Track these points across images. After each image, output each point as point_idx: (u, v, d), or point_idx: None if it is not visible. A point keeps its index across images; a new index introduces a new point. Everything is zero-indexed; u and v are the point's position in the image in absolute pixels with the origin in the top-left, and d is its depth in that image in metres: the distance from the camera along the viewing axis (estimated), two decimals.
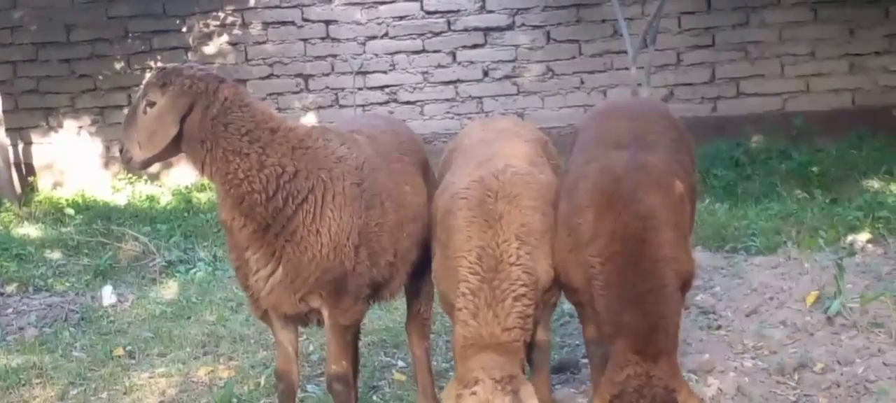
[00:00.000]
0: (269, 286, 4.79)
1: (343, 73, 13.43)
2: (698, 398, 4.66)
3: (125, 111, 13.46)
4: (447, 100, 13.26)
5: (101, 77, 13.63)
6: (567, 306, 6.69)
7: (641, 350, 4.48)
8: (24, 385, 6.57)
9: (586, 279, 4.74)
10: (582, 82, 13.05)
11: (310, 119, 13.44)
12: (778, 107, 12.75)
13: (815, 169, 11.31)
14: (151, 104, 4.64)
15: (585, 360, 6.33)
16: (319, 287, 4.77)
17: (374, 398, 6.09)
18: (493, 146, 5.32)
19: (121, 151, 4.80)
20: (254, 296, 4.88)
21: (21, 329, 7.94)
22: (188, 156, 4.72)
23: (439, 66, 13.28)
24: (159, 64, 13.10)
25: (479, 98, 13.20)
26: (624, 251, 4.59)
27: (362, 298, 4.96)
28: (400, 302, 7.98)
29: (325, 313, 4.86)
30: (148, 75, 4.77)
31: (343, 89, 13.43)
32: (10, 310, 8.44)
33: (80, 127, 13.70)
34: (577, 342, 6.68)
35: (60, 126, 13.68)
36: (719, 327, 6.54)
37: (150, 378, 6.59)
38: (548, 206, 5.00)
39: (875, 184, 10.59)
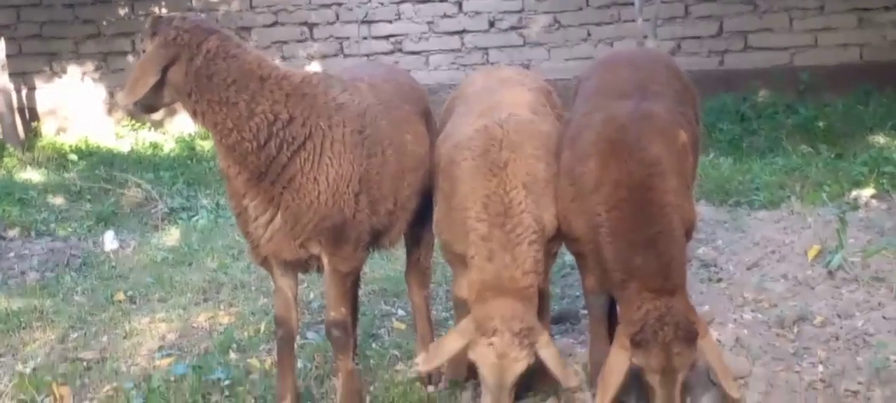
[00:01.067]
0: (268, 233, 4.77)
1: (348, 22, 13.37)
2: (711, 333, 4.68)
3: (129, 58, 13.50)
4: (452, 50, 13.20)
5: (105, 22, 13.59)
6: (568, 258, 6.69)
7: (657, 288, 4.49)
8: (24, 328, 6.59)
9: (590, 228, 4.72)
10: (588, 34, 12.97)
11: (314, 68, 13.40)
12: (785, 61, 12.66)
13: (820, 124, 11.26)
14: (144, 51, 4.66)
15: (585, 311, 6.33)
16: (319, 234, 4.75)
17: (374, 345, 6.09)
18: (497, 95, 5.27)
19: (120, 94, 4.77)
20: (254, 243, 4.87)
21: (23, 273, 7.97)
22: (181, 105, 4.71)
23: (445, 15, 13.20)
24: (163, 11, 13.04)
25: (485, 49, 13.13)
26: (630, 198, 4.58)
27: (362, 246, 4.94)
28: (400, 252, 7.99)
29: (325, 260, 4.85)
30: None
31: (347, 38, 13.37)
32: (12, 254, 8.45)
33: (84, 72, 13.68)
34: (577, 293, 6.67)
35: (64, 71, 13.66)
36: (720, 280, 6.52)
37: (151, 322, 6.60)
38: (551, 155, 4.97)
39: (881, 139, 10.54)
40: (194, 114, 4.65)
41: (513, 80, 5.55)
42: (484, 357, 4.54)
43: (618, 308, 4.79)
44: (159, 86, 4.62)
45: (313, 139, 4.69)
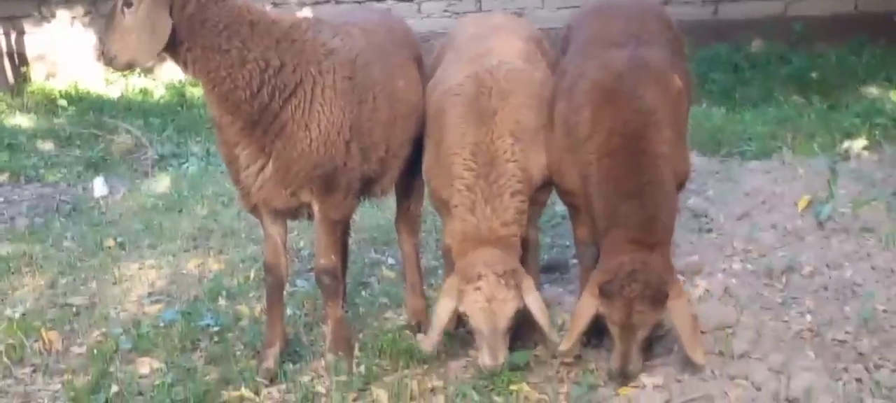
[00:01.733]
0: (259, 181, 4.74)
1: None
2: (686, 295, 4.67)
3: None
4: None
5: None
6: (559, 207, 6.68)
7: (638, 240, 4.48)
8: (13, 273, 6.57)
9: (583, 178, 4.72)
10: None
11: (305, 14, 13.28)
12: (779, 11, 12.56)
13: (814, 74, 11.22)
14: (128, 4, 4.48)
15: (575, 261, 6.33)
16: (310, 182, 4.72)
17: (364, 294, 6.10)
18: (487, 42, 5.23)
19: (104, 53, 4.62)
20: (244, 191, 4.84)
21: (12, 218, 7.94)
22: (170, 55, 4.59)
23: None
24: None
25: None
26: (624, 146, 4.55)
27: (353, 193, 4.92)
28: (390, 200, 7.98)
29: (316, 207, 4.83)
30: None
31: None
32: (1, 200, 8.43)
33: (74, 17, 13.54)
34: (568, 243, 6.67)
35: (53, 15, 13.52)
36: (710, 230, 6.53)
37: (140, 269, 6.59)
38: (542, 104, 4.95)
39: (874, 90, 10.50)
40: (185, 64, 4.56)
41: (504, 28, 5.50)
42: (473, 304, 4.54)
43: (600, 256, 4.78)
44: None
45: (303, 86, 4.65)
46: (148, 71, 12.89)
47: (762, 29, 12.34)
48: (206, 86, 4.60)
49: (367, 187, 5.10)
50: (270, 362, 5.00)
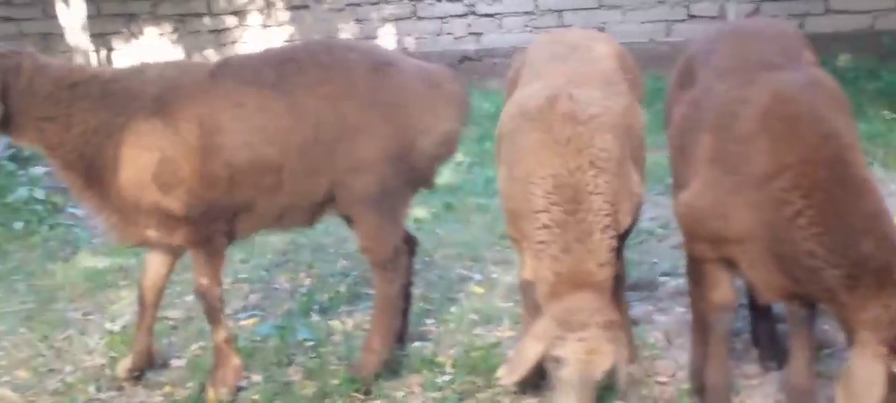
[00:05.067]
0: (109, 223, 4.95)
1: None
2: None
3: (205, 19, 13.64)
4: (526, 12, 13.12)
5: None
6: (643, 224, 6.64)
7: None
8: (110, 286, 6.74)
9: (761, 222, 4.05)
10: None
11: (387, 30, 13.42)
12: (867, 25, 12.37)
13: None
14: None
15: (663, 279, 6.31)
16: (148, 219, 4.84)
17: (452, 310, 6.13)
18: (565, 62, 5.00)
19: None
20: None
21: None
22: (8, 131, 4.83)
23: None
24: None
25: (559, 11, 13.03)
26: (831, 177, 3.92)
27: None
28: (477, 216, 8.07)
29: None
30: None
31: (421, 1, 13.35)
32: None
33: (161, 34, 13.86)
34: (655, 259, 6.65)
35: (141, 32, 13.85)
36: None
37: (233, 283, 6.71)
38: (625, 130, 4.70)
39: None
40: (27, 136, 4.81)
41: (582, 46, 5.21)
42: (573, 354, 4.24)
43: (837, 314, 4.02)
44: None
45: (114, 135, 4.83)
46: None
47: (850, 43, 12.16)
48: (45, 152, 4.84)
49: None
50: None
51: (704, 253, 4.40)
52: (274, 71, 4.89)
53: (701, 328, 4.71)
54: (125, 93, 4.80)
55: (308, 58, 4.96)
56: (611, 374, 4.36)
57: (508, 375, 4.50)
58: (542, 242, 4.41)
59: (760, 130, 4.08)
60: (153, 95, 4.78)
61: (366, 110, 4.88)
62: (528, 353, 4.35)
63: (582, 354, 4.23)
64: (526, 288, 4.90)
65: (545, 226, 4.40)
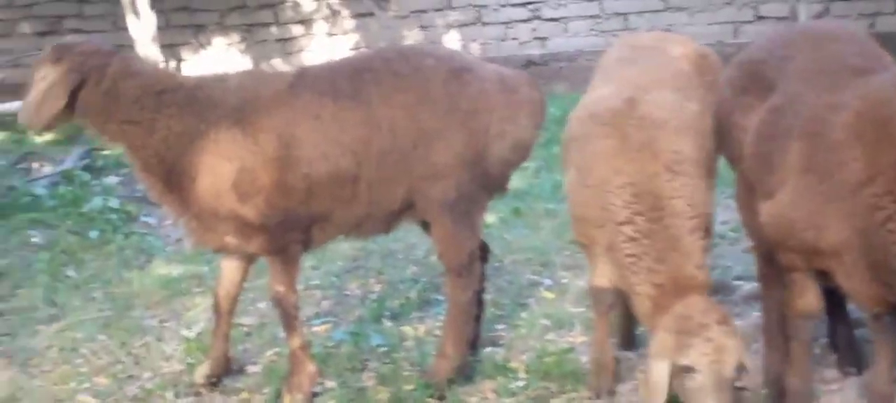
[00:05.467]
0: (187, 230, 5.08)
1: None
2: None
3: (273, 29, 13.80)
4: (591, 16, 13.08)
5: None
6: (717, 228, 6.56)
7: None
8: (185, 294, 6.83)
9: (854, 230, 3.97)
10: None
11: (452, 37, 13.45)
12: None
13: None
14: (44, 77, 4.84)
15: (737, 283, 6.24)
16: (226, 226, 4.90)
17: (523, 315, 6.12)
18: (636, 65, 4.97)
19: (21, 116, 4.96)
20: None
21: (179, 240, 8.23)
22: (89, 126, 4.95)
23: None
24: None
25: (625, 14, 12.97)
26: None
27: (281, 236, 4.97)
28: (545, 221, 8.05)
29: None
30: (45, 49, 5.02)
31: (486, 6, 13.37)
32: (168, 222, 8.71)
33: (230, 44, 14.04)
34: (729, 263, 6.58)
35: (209, 43, 14.04)
36: None
37: (305, 290, 6.74)
38: (699, 134, 4.66)
39: None
40: (104, 135, 4.95)
41: (657, 49, 5.19)
42: (703, 358, 4.09)
43: None
44: (67, 110, 4.85)
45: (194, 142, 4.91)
46: None
47: None
48: (128, 153, 4.96)
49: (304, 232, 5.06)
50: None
51: (794, 262, 4.33)
52: (350, 82, 4.92)
53: (778, 333, 4.66)
54: (208, 101, 4.87)
55: (384, 67, 4.99)
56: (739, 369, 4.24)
57: None
58: (632, 255, 4.32)
59: (853, 136, 3.99)
60: (234, 105, 4.85)
61: (443, 117, 4.89)
62: (658, 375, 4.18)
63: (712, 355, 4.10)
64: (597, 293, 4.89)
65: (632, 239, 4.32)
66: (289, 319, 5.05)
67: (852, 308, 4.93)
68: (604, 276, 4.79)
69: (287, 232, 4.91)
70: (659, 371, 4.17)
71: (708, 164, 4.78)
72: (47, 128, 5.10)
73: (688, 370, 4.11)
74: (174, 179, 4.88)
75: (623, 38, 6.05)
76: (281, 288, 5.00)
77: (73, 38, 5.22)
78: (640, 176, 4.39)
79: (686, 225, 4.34)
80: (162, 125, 4.82)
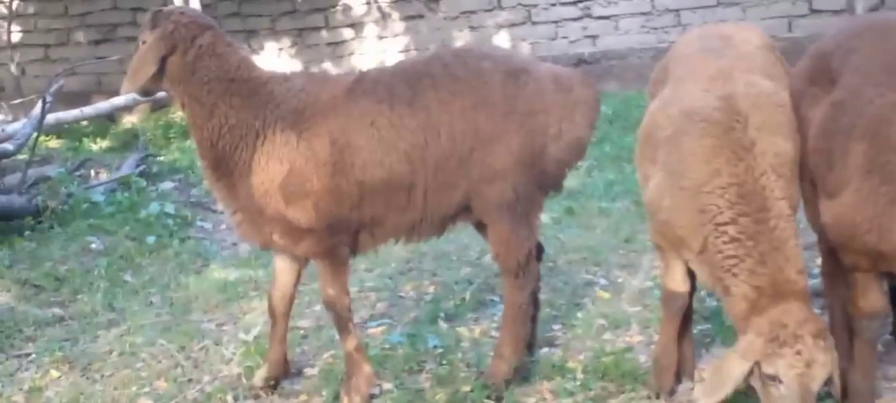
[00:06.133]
0: (235, 221, 5.10)
1: None
2: None
3: (323, 33, 13.88)
4: (643, 13, 12.98)
5: None
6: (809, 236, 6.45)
7: None
8: (242, 298, 6.88)
9: None
10: None
11: (502, 37, 13.43)
12: None
13: None
14: (144, 42, 4.94)
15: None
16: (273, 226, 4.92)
17: (579, 315, 6.09)
18: (724, 57, 4.70)
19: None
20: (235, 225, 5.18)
21: (234, 244, 8.31)
22: (173, 93, 5.04)
23: None
24: None
25: (677, 11, 12.86)
26: None
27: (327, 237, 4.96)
28: (599, 220, 8.02)
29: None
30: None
31: (536, 5, 13.33)
32: (223, 226, 8.83)
33: (281, 48, 14.14)
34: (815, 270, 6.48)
35: (261, 48, 14.15)
36: None
37: (360, 292, 6.78)
38: (795, 130, 4.49)
39: None
40: (179, 104, 5.00)
41: (737, 38, 4.89)
42: (791, 369, 3.97)
43: None
44: (158, 75, 4.92)
45: (247, 138, 4.94)
46: None
47: None
48: (190, 130, 5.03)
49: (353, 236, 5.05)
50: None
51: (858, 263, 4.27)
52: (409, 87, 4.92)
53: (842, 330, 4.58)
54: (269, 98, 4.90)
55: (442, 71, 4.97)
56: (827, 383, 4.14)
57: (705, 397, 4.20)
58: (732, 256, 4.19)
59: None
60: (293, 107, 4.88)
61: (501, 120, 4.88)
62: (733, 372, 4.08)
63: (800, 368, 3.98)
64: (671, 297, 4.81)
65: (734, 239, 4.18)
66: (342, 322, 5.06)
67: None
68: (678, 280, 4.75)
69: (335, 235, 4.92)
70: (738, 368, 4.07)
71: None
72: (145, 92, 5.21)
73: (773, 379, 4.01)
74: (224, 169, 4.92)
75: (694, 30, 5.74)
76: (332, 291, 5.02)
77: (174, 7, 5.29)
78: (746, 176, 4.23)
79: (792, 227, 4.21)
80: (220, 112, 4.85)
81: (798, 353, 3.97)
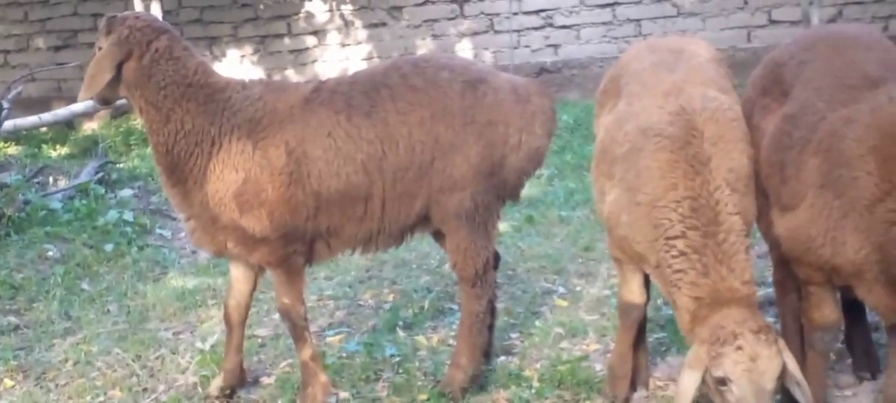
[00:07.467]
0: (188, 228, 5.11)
1: None
2: None
3: (285, 40, 13.86)
4: (604, 23, 13.07)
5: (261, 6, 13.97)
6: (762, 245, 6.51)
7: None
8: (200, 306, 6.85)
9: (872, 246, 3.93)
10: (745, 2, 12.65)
11: (464, 45, 13.46)
12: None
13: None
14: (100, 48, 4.92)
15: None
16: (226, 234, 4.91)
17: (537, 323, 6.11)
18: (677, 71, 4.69)
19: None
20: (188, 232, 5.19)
21: (194, 252, 8.26)
22: (128, 98, 5.00)
23: None
24: None
25: (638, 20, 12.96)
26: None
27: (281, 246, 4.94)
28: (559, 229, 8.05)
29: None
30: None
31: (498, 14, 13.39)
32: (182, 234, 8.76)
33: (243, 55, 14.10)
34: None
35: (224, 55, 14.11)
36: None
37: (319, 300, 6.77)
38: (749, 144, 4.49)
39: None
40: (136, 110, 4.96)
41: (688, 53, 4.89)
42: (736, 366, 3.93)
43: None
44: (115, 81, 4.89)
45: (201, 145, 4.93)
46: None
47: None
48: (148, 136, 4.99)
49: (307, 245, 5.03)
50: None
51: (812, 276, 4.29)
52: (367, 98, 4.91)
53: (794, 338, 4.62)
54: (226, 105, 4.89)
55: (400, 82, 4.97)
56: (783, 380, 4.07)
57: None
58: (678, 271, 4.19)
59: (866, 152, 3.94)
60: (250, 115, 4.86)
61: (460, 129, 4.89)
62: (685, 385, 4.07)
63: (745, 363, 3.93)
64: (627, 308, 4.82)
65: (682, 253, 4.19)
66: (298, 330, 5.05)
67: (869, 312, 4.91)
68: (635, 292, 4.77)
69: (290, 245, 4.91)
70: (688, 379, 4.07)
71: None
72: (103, 100, 5.17)
73: (723, 382, 3.97)
74: (179, 175, 4.90)
75: (643, 42, 5.74)
76: (287, 300, 5.01)
77: (129, 12, 5.24)
78: (701, 191, 4.22)
79: (744, 242, 4.20)
80: (176, 118, 4.83)
81: (739, 349, 3.94)
